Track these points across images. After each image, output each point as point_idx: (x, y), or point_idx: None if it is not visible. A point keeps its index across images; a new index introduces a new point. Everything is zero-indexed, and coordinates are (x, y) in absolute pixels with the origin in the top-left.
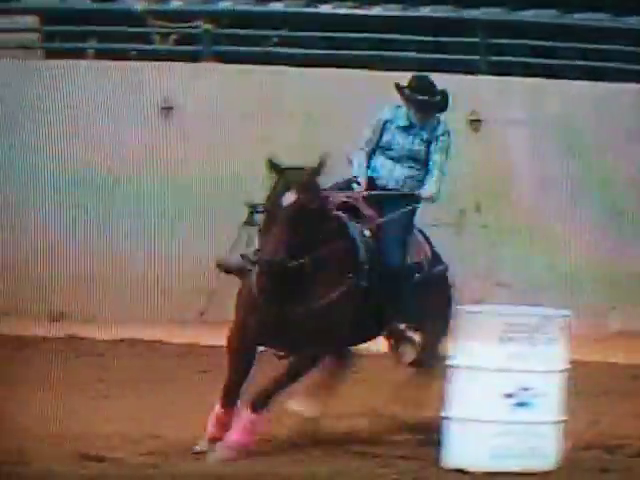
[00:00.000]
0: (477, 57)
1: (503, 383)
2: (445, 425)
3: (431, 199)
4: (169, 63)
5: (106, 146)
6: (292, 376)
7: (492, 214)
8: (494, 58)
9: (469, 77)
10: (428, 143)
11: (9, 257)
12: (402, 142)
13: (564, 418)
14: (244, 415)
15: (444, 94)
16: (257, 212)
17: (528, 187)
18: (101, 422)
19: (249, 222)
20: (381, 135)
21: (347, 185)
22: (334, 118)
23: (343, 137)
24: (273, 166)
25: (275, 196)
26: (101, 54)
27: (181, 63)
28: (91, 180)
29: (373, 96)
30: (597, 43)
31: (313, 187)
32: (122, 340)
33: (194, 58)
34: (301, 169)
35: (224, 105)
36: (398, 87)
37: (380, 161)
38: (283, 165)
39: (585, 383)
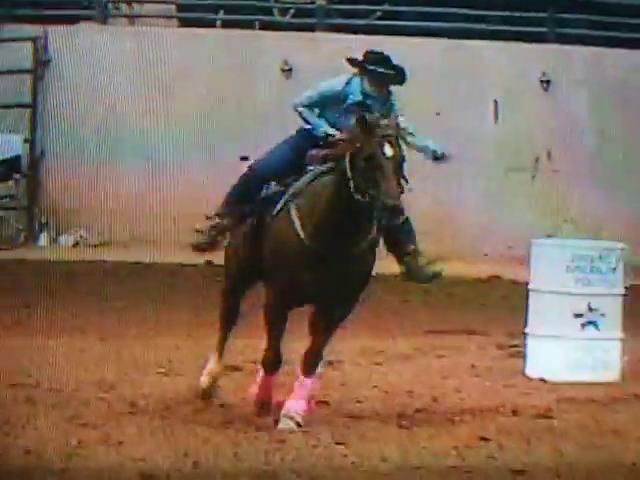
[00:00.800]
0: (546, 29)
1: (573, 305)
2: (527, 341)
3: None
4: (288, 32)
5: (236, 100)
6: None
7: (561, 161)
8: (560, 30)
9: (540, 46)
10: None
11: (154, 198)
12: (351, 118)
13: (624, 335)
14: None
15: (399, 69)
16: None
17: (590, 138)
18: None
19: None
20: (324, 106)
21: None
22: (429, 79)
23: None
24: (364, 120)
25: (374, 147)
26: (227, 24)
27: (299, 32)
28: (222, 129)
29: (461, 62)
30: None
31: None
32: None
33: (310, 29)
34: (387, 125)
35: (335, 67)
36: (352, 61)
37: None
38: (371, 120)
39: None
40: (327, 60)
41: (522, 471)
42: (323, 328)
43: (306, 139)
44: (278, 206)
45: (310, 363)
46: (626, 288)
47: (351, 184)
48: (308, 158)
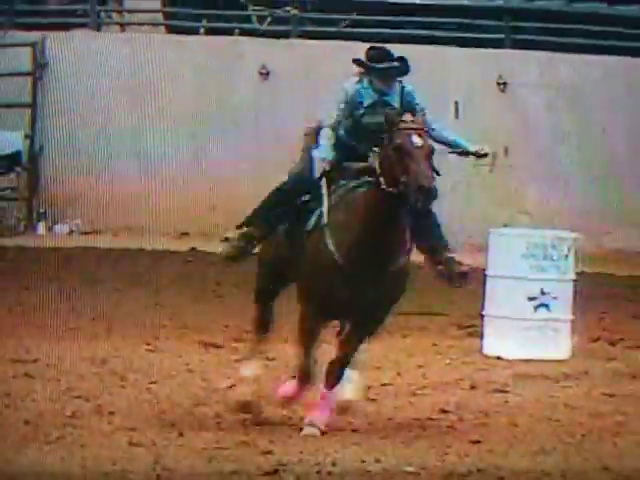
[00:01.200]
0: (503, 35)
1: (527, 289)
2: (484, 321)
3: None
4: (266, 39)
5: (218, 100)
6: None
7: (517, 156)
8: (516, 36)
9: (497, 51)
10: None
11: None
12: (373, 119)
13: (574, 317)
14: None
15: (402, 59)
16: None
17: (544, 135)
18: (217, 316)
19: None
20: (351, 111)
21: None
22: None
23: None
24: (388, 117)
25: (402, 136)
26: (210, 31)
27: (275, 39)
28: (205, 127)
29: (424, 66)
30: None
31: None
32: None
33: (285, 36)
34: (413, 119)
35: (308, 70)
36: (357, 61)
37: (349, 140)
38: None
39: (591, 289)
40: (301, 64)
41: (479, 441)
42: (351, 341)
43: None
44: (311, 222)
45: (335, 375)
46: (577, 274)
47: (382, 180)
48: (341, 172)
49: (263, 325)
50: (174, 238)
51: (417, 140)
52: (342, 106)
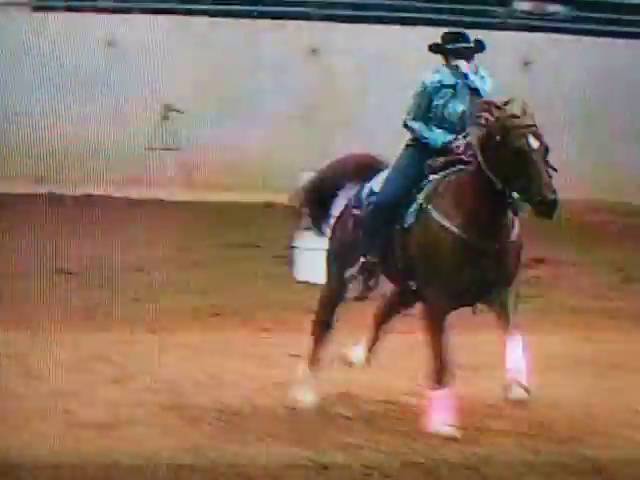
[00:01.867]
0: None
1: None
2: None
3: None
4: (119, 15)
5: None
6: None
7: None
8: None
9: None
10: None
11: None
12: (455, 107)
13: None
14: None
15: (477, 40)
16: (172, 110)
17: None
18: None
19: (165, 117)
20: (431, 100)
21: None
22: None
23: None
24: (501, 111)
25: (521, 140)
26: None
27: (123, 15)
28: (68, 88)
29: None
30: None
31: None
32: (86, 195)
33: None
34: (525, 114)
35: (159, 43)
36: (433, 47)
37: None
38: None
39: None
40: (144, 37)
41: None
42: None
43: (419, 150)
44: (410, 218)
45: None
46: None
47: (494, 179)
48: (428, 168)
49: (326, 327)
50: (32, 182)
51: (534, 142)
52: (419, 100)
